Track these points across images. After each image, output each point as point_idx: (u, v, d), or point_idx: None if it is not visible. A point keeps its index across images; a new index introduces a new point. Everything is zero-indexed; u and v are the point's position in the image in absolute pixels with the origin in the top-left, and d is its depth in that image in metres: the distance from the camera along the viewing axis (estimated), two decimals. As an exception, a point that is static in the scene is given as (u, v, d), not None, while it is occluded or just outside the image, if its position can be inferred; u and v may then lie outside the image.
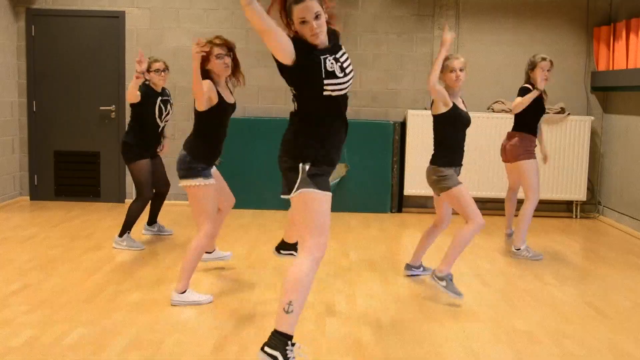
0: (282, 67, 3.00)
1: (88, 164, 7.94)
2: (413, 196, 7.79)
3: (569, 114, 7.60)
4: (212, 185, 4.32)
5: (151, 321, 3.93)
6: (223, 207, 4.73)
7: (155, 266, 5.16)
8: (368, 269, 5.25)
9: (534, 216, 5.88)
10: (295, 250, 4.24)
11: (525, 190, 5.72)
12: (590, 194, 7.82)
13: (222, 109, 4.33)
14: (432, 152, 4.61)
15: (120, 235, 5.66)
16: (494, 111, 7.63)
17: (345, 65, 3.10)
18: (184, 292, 4.24)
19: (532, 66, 5.64)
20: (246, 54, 7.44)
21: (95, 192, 7.94)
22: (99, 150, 7.91)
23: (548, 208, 7.81)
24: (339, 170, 7.52)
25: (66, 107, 7.86)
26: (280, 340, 3.00)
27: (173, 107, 6.02)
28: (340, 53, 3.14)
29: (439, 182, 4.49)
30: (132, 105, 5.64)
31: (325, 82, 3.02)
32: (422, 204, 7.86)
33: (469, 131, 4.65)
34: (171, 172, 5.26)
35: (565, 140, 7.60)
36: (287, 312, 2.97)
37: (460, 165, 4.61)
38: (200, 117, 4.32)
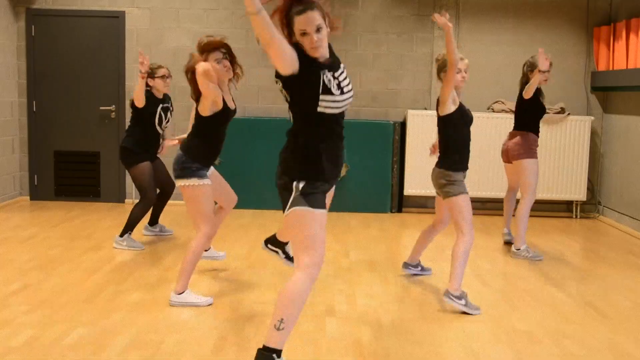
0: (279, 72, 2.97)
1: (88, 164, 7.94)
2: (413, 196, 7.78)
3: (569, 114, 7.60)
4: (207, 186, 4.29)
5: (151, 321, 3.93)
6: (225, 205, 4.74)
7: (155, 266, 5.16)
8: (368, 269, 5.25)
9: (534, 216, 5.90)
10: (283, 251, 4.23)
11: (523, 189, 5.73)
12: (590, 194, 7.82)
13: (225, 114, 4.34)
14: (441, 155, 4.51)
15: (121, 235, 5.66)
16: (494, 111, 7.63)
17: (343, 84, 3.05)
18: (182, 292, 4.24)
19: (532, 67, 5.65)
20: (246, 54, 7.44)
21: (95, 192, 7.94)
22: (99, 150, 7.91)
23: (548, 208, 7.81)
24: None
25: (66, 107, 7.86)
26: (268, 354, 2.98)
27: (173, 111, 6.01)
28: (339, 71, 3.08)
29: (445, 187, 4.39)
30: (133, 107, 5.64)
31: (321, 97, 2.96)
32: (422, 204, 7.86)
33: None
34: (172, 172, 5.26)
35: (565, 140, 7.60)
36: (277, 328, 2.95)
37: (467, 168, 4.52)
38: (202, 120, 4.32)
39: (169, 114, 5.84)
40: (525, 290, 4.81)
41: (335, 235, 6.31)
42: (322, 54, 2.99)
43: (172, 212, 7.00)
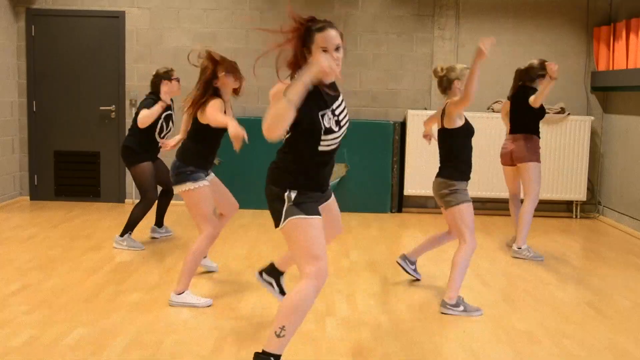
0: None
1: (88, 164, 7.94)
2: (413, 196, 7.78)
3: (569, 114, 7.60)
4: (204, 187, 4.29)
5: (151, 321, 3.93)
6: (225, 212, 4.70)
7: (156, 266, 5.16)
8: (368, 269, 5.25)
9: (534, 216, 5.89)
10: (277, 283, 3.88)
11: (527, 191, 5.73)
12: (590, 194, 7.82)
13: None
14: (442, 165, 4.43)
15: (122, 235, 5.66)
16: (494, 111, 7.63)
17: (340, 117, 3.04)
18: (182, 293, 4.24)
19: (532, 75, 5.75)
20: (246, 54, 7.45)
21: (95, 192, 7.94)
22: (99, 150, 7.91)
23: (548, 208, 7.80)
24: (339, 170, 7.53)
25: (66, 107, 7.86)
26: (266, 358, 2.98)
27: (174, 112, 6.01)
28: (337, 103, 3.06)
29: (447, 196, 4.32)
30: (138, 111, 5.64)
31: (322, 137, 2.97)
32: (422, 204, 7.86)
33: None
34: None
35: (565, 140, 7.60)
36: (278, 335, 2.94)
37: (470, 179, 4.46)
38: (201, 127, 4.31)
39: (170, 123, 5.82)
40: (525, 290, 4.81)
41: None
42: (337, 74, 2.92)
43: (172, 212, 6.99)
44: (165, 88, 5.65)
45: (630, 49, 6.93)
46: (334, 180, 7.26)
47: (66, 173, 7.95)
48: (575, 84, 7.76)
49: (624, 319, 4.23)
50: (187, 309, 4.17)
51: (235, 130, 3.79)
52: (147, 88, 5.96)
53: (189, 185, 4.24)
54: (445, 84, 4.44)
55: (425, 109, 7.75)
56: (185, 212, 7.15)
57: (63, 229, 6.40)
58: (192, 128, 4.40)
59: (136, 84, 7.74)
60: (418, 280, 4.88)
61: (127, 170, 7.82)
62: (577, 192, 7.67)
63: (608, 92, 7.71)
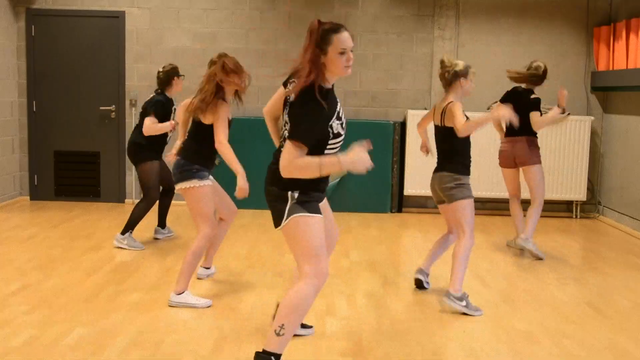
0: (288, 104, 2.99)
1: (88, 164, 7.94)
2: (413, 196, 7.78)
3: (569, 114, 7.59)
4: (208, 187, 4.31)
5: (151, 321, 3.93)
6: (225, 217, 4.70)
7: (156, 266, 5.16)
8: (368, 269, 5.25)
9: None
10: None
11: (535, 193, 5.78)
12: (590, 194, 7.82)
13: (228, 125, 4.37)
14: (445, 160, 4.46)
15: (122, 233, 5.66)
16: (494, 111, 7.62)
17: (344, 119, 3.08)
18: (182, 293, 4.24)
19: (543, 78, 5.74)
20: (246, 54, 7.45)
21: (95, 192, 7.94)
22: (99, 150, 7.91)
23: (548, 208, 7.79)
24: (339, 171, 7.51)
25: (66, 107, 7.86)
26: (265, 359, 2.99)
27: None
28: (339, 105, 3.09)
29: (453, 189, 4.34)
30: (145, 110, 5.65)
31: (330, 142, 3.01)
32: (422, 204, 7.86)
33: None
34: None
35: (565, 140, 7.60)
36: (278, 334, 2.96)
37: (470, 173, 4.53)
38: (204, 127, 4.32)
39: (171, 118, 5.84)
40: (525, 290, 4.81)
41: (335, 235, 6.31)
42: (349, 73, 3.00)
43: (173, 212, 6.99)
44: (176, 86, 5.70)
45: (630, 49, 6.93)
46: (334, 180, 7.25)
47: (66, 173, 7.95)
48: (575, 84, 7.76)
49: (624, 319, 4.23)
50: (187, 309, 4.17)
51: (244, 185, 4.15)
52: (147, 88, 5.99)
53: (194, 183, 4.26)
54: (450, 77, 4.39)
55: (425, 109, 7.75)
56: (185, 212, 7.15)
57: (63, 229, 6.40)
58: (193, 128, 4.40)
59: (136, 84, 7.74)
60: (426, 288, 4.78)
61: (126, 170, 7.87)
62: (577, 192, 7.67)
63: (608, 92, 7.71)
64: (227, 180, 4.79)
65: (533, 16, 7.74)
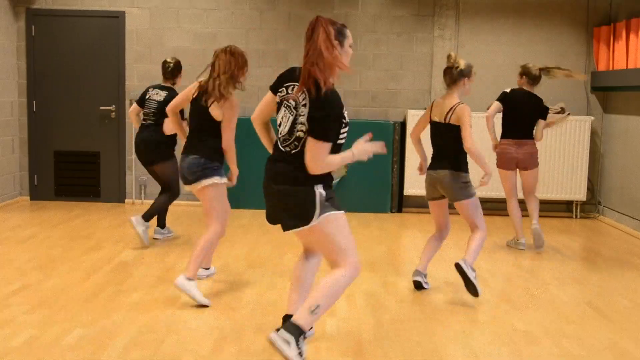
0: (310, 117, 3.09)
1: (88, 164, 7.94)
2: (413, 196, 7.78)
3: (569, 114, 7.59)
4: (224, 185, 4.42)
5: (151, 321, 3.93)
6: None
7: (155, 266, 5.16)
8: (368, 269, 5.25)
9: None
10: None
11: (533, 190, 6.04)
12: (590, 194, 7.82)
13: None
14: (449, 157, 4.52)
15: (147, 219, 5.68)
16: (494, 111, 7.62)
17: (344, 108, 3.23)
18: (192, 280, 4.22)
19: (539, 79, 5.89)
20: (246, 54, 7.43)
21: (95, 192, 7.94)
22: (99, 150, 7.91)
23: (548, 208, 7.80)
24: (339, 171, 7.52)
25: (66, 107, 7.86)
26: (296, 330, 3.07)
27: None
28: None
29: (462, 189, 4.46)
30: (158, 109, 5.71)
31: (342, 131, 3.16)
32: (422, 204, 7.84)
33: None
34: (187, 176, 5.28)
35: (565, 140, 7.60)
36: (312, 312, 3.08)
37: None
38: (216, 123, 4.39)
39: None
40: (525, 290, 4.81)
41: (335, 235, 6.31)
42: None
43: (173, 212, 7.00)
44: (180, 78, 5.86)
45: (630, 49, 6.93)
46: (334, 180, 7.25)
47: (66, 173, 7.95)
48: (575, 84, 7.75)
49: (624, 319, 4.23)
50: (187, 309, 4.17)
51: (236, 173, 4.55)
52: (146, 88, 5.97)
53: (216, 180, 4.35)
54: (456, 76, 4.50)
55: (425, 109, 7.74)
56: (185, 211, 7.16)
57: (63, 229, 6.40)
58: (207, 124, 4.41)
59: (136, 84, 7.74)
60: (426, 288, 4.78)
61: (126, 170, 7.87)
62: (577, 192, 7.67)
63: (608, 92, 7.71)
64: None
65: (533, 16, 7.74)
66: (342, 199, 8.36)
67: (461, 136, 4.44)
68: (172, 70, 5.82)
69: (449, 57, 4.56)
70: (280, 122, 3.26)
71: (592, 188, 7.84)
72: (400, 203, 7.81)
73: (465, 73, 4.48)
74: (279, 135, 3.24)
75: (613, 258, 5.89)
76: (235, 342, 3.63)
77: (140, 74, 7.75)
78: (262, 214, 3.53)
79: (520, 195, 6.13)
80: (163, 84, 5.90)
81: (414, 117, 7.53)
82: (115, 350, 3.47)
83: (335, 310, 4.21)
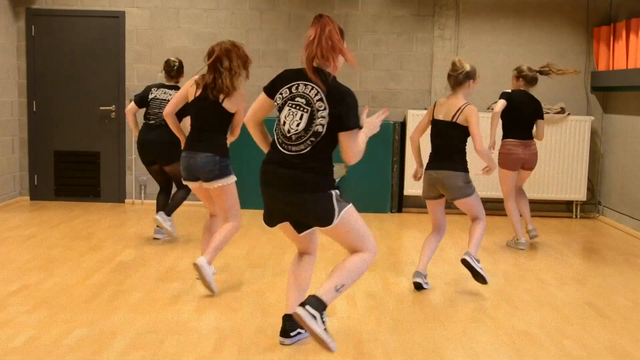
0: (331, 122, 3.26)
1: (88, 164, 7.94)
2: (413, 196, 7.78)
3: (569, 114, 7.59)
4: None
5: (151, 321, 3.93)
6: (217, 214, 4.79)
7: (155, 266, 5.16)
8: (368, 268, 5.24)
9: (534, 216, 6.28)
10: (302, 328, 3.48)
11: (521, 186, 6.21)
12: (590, 194, 7.82)
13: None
14: (451, 157, 4.59)
15: (168, 214, 5.78)
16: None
17: None
18: (212, 266, 4.34)
19: (536, 80, 5.96)
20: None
21: (95, 192, 7.94)
22: (99, 150, 7.91)
23: (548, 208, 7.80)
24: (339, 171, 7.52)
25: (66, 107, 7.86)
26: (320, 305, 3.20)
27: None
28: None
29: (464, 188, 4.57)
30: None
31: None
32: (422, 204, 7.80)
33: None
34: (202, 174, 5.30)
35: (565, 140, 7.60)
36: (337, 290, 3.27)
37: None
38: (229, 117, 4.45)
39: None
40: (525, 290, 4.81)
41: (335, 235, 6.31)
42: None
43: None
44: (182, 78, 5.89)
45: (630, 49, 6.93)
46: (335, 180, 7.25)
47: (66, 173, 7.95)
48: (575, 84, 7.76)
49: (624, 319, 4.23)
50: (188, 309, 4.17)
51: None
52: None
53: (232, 178, 4.49)
54: (461, 79, 4.58)
55: (426, 109, 7.74)
56: (185, 211, 7.15)
57: (63, 229, 6.40)
58: (217, 120, 4.45)
59: (136, 84, 7.74)
60: (426, 288, 4.76)
61: (126, 170, 7.87)
62: (577, 192, 7.67)
63: (608, 92, 7.71)
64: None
65: (533, 16, 7.74)
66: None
67: (465, 136, 4.56)
68: (177, 69, 5.87)
69: (454, 63, 4.59)
70: (285, 122, 3.27)
71: (592, 188, 7.84)
72: (400, 203, 7.81)
73: (471, 75, 4.58)
74: (285, 135, 3.27)
75: (613, 258, 5.89)
76: (236, 342, 3.63)
77: (140, 74, 7.74)
78: (262, 213, 3.54)
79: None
80: (167, 83, 5.89)
81: (414, 117, 7.54)
82: (115, 351, 3.47)
83: (335, 310, 4.21)
